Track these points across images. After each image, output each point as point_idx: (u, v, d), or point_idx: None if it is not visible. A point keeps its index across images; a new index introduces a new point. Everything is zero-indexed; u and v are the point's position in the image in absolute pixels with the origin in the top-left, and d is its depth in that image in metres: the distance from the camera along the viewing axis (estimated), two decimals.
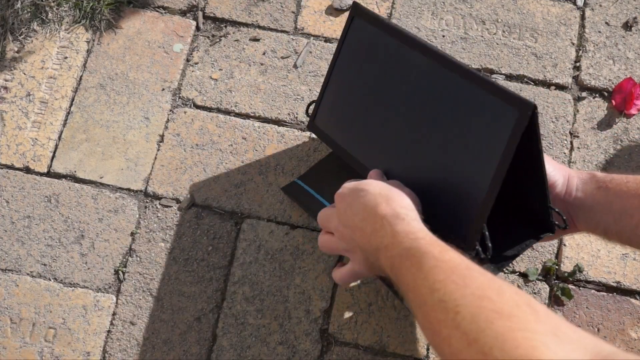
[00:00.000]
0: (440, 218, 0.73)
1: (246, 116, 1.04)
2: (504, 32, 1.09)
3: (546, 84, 1.06)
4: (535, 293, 0.94)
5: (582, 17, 1.10)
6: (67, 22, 1.09)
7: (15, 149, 1.01)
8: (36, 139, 1.02)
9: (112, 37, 1.08)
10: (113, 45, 1.08)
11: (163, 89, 1.05)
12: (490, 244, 0.71)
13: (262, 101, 1.04)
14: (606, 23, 1.10)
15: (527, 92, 1.05)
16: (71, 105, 1.04)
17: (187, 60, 1.07)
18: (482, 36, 1.09)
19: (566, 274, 0.95)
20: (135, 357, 0.91)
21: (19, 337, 0.92)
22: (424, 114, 0.79)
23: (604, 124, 1.04)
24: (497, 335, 0.49)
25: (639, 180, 0.73)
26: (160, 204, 0.99)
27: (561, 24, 1.09)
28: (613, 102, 1.04)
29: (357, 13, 0.88)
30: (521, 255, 0.83)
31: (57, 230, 0.97)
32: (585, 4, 1.11)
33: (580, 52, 1.08)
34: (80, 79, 1.06)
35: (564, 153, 1.02)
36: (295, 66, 1.07)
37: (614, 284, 0.95)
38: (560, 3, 1.11)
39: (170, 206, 0.98)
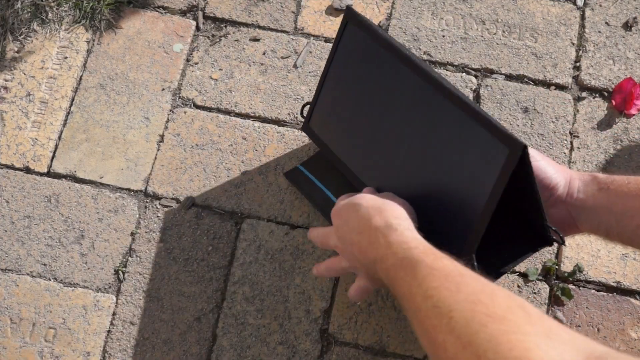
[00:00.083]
0: (435, 232, 0.73)
1: (246, 116, 1.04)
2: (504, 32, 1.09)
3: (546, 84, 1.06)
4: (535, 293, 0.94)
5: (582, 17, 1.10)
6: (67, 22, 1.09)
7: (15, 149, 1.01)
8: (36, 139, 1.02)
9: (112, 37, 1.08)
10: (113, 45, 1.08)
11: (163, 89, 1.05)
12: (476, 264, 0.73)
13: (262, 101, 1.04)
14: (606, 23, 1.10)
15: (527, 92, 1.05)
16: (71, 105, 1.04)
17: (187, 60, 1.07)
18: (482, 36, 1.09)
19: (566, 274, 0.95)
20: (135, 357, 0.91)
21: (19, 337, 0.92)
22: (417, 135, 0.79)
23: (604, 124, 1.04)
24: (491, 338, 0.49)
25: None
26: (160, 204, 0.99)
27: (561, 24, 1.09)
28: (613, 102, 1.04)
29: (351, 19, 0.86)
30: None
31: (57, 230, 0.97)
32: (585, 4, 1.11)
33: (580, 52, 1.08)
34: (80, 79, 1.06)
35: (564, 153, 1.02)
36: (295, 66, 1.07)
37: (614, 284, 0.95)
38: (560, 3, 1.11)
39: (170, 206, 0.98)
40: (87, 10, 1.09)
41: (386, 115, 0.83)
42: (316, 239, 0.85)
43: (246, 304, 0.93)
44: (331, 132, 0.91)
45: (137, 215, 0.98)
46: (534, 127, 1.03)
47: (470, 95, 1.05)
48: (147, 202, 0.99)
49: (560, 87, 1.06)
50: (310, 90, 1.05)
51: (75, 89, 1.05)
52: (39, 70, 1.06)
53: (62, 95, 1.04)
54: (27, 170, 1.00)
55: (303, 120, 0.96)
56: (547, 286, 0.95)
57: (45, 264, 0.95)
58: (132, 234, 0.97)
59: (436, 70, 1.06)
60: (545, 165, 0.77)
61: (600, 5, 1.11)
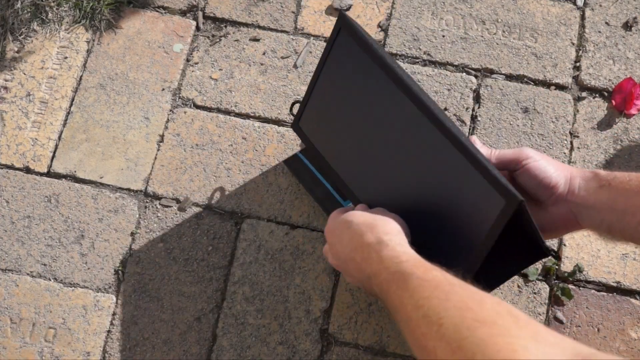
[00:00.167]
0: (428, 247, 0.74)
1: (246, 116, 1.04)
2: (504, 32, 1.09)
3: (546, 84, 1.06)
4: (535, 293, 0.94)
5: (582, 17, 1.10)
6: (67, 22, 1.09)
7: (15, 149, 1.01)
8: (36, 139, 1.02)
9: (112, 37, 1.08)
10: (113, 45, 1.08)
11: (163, 89, 1.05)
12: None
13: (262, 101, 1.04)
14: (606, 23, 1.10)
15: (527, 92, 1.05)
16: (71, 105, 1.04)
17: (187, 60, 1.07)
18: (482, 36, 1.09)
19: (566, 274, 0.95)
20: (135, 357, 0.91)
21: (19, 337, 0.92)
22: (410, 160, 0.79)
23: (604, 124, 1.04)
24: (479, 342, 0.51)
25: None
26: (160, 204, 0.99)
27: (561, 24, 1.09)
28: (613, 102, 1.04)
29: (344, 26, 0.84)
30: None
31: (57, 230, 0.97)
32: (585, 4, 1.11)
33: (580, 52, 1.08)
34: (80, 79, 1.06)
35: (564, 153, 1.02)
36: (295, 66, 1.07)
37: (614, 284, 0.95)
38: (560, 3, 1.11)
39: (170, 206, 0.99)
40: (87, 10, 1.09)
41: (377, 133, 0.82)
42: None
43: (246, 304, 0.93)
44: (321, 136, 0.90)
45: (137, 215, 0.98)
46: (534, 127, 1.03)
47: (470, 95, 1.05)
48: (147, 202, 0.99)
49: (560, 87, 1.06)
50: None
51: (75, 89, 1.05)
52: (39, 70, 1.06)
53: (62, 95, 1.04)
54: (27, 170, 1.00)
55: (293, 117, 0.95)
56: (547, 286, 0.95)
57: (45, 264, 0.95)
58: (132, 234, 0.97)
59: (436, 70, 1.06)
60: (545, 165, 0.77)
61: (600, 5, 1.11)
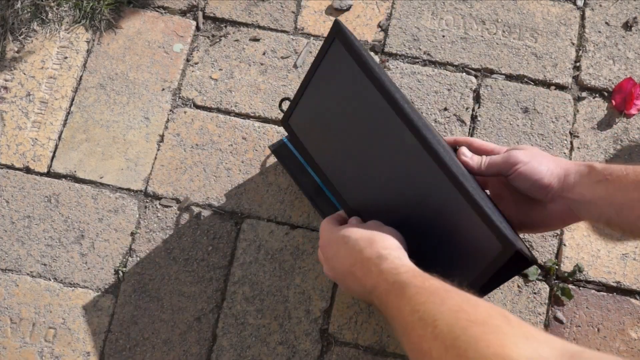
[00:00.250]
0: (425, 257, 0.75)
1: (246, 116, 1.04)
2: (504, 32, 1.09)
3: (546, 84, 1.06)
4: (535, 293, 0.94)
5: (582, 17, 1.10)
6: (67, 22, 1.09)
7: (15, 149, 1.01)
8: (36, 139, 1.02)
9: (112, 37, 1.08)
10: (113, 45, 1.08)
11: (163, 89, 1.05)
12: None
13: (262, 101, 1.04)
14: (606, 23, 1.10)
15: (527, 92, 1.05)
16: (71, 105, 1.04)
17: (187, 60, 1.07)
18: (482, 36, 1.09)
19: (566, 274, 0.95)
20: (135, 357, 0.91)
21: (19, 337, 0.92)
22: (404, 183, 0.79)
23: (604, 124, 1.04)
24: (471, 339, 0.53)
25: (638, 171, 0.72)
26: (160, 204, 0.99)
27: (561, 24, 1.09)
28: (613, 102, 1.04)
29: (338, 35, 0.82)
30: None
31: (57, 230, 0.97)
32: (585, 4, 1.11)
33: (580, 52, 1.08)
34: (80, 79, 1.06)
35: (564, 153, 1.02)
36: (295, 66, 1.07)
37: (614, 284, 0.95)
38: (560, 3, 1.11)
39: (170, 206, 0.98)
40: (87, 10, 1.09)
41: (369, 147, 0.81)
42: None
43: (246, 304, 0.93)
44: (310, 138, 0.89)
45: (137, 215, 0.98)
46: (534, 127, 1.03)
47: (470, 95, 1.05)
48: (147, 202, 0.99)
49: (560, 87, 1.06)
50: None
51: (75, 89, 1.05)
52: (39, 70, 1.06)
53: (62, 95, 1.04)
54: (27, 170, 1.00)
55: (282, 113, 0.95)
56: (547, 286, 0.95)
57: (45, 264, 0.95)
58: (132, 234, 0.97)
59: (436, 70, 1.06)
60: (536, 166, 0.77)
61: (600, 5, 1.11)
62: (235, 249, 0.96)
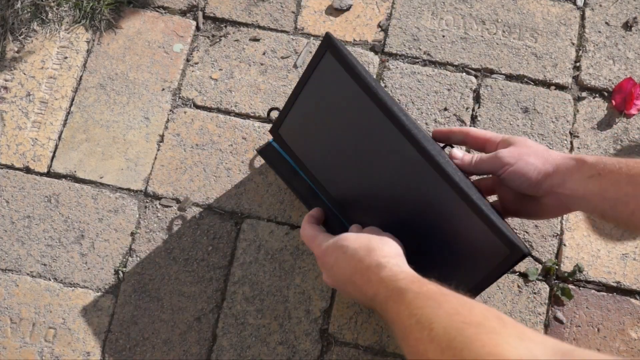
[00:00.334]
0: (424, 260, 0.76)
1: (246, 116, 1.04)
2: (504, 32, 1.09)
3: (546, 84, 1.06)
4: (535, 293, 0.94)
5: (582, 17, 1.10)
6: (67, 22, 1.09)
7: (15, 149, 1.01)
8: (36, 139, 1.02)
9: (112, 37, 1.08)
10: (113, 45, 1.08)
11: (163, 89, 1.05)
12: None
13: (262, 101, 1.04)
14: (606, 23, 1.10)
15: (527, 92, 1.05)
16: (71, 105, 1.04)
17: (187, 60, 1.07)
18: (482, 36, 1.09)
19: (566, 274, 0.95)
20: (135, 357, 0.91)
21: (19, 337, 0.92)
22: (403, 192, 0.79)
23: (604, 124, 1.04)
24: (466, 340, 0.54)
25: (631, 165, 0.71)
26: (160, 204, 0.99)
27: (561, 24, 1.09)
28: (613, 102, 1.04)
29: (330, 48, 0.81)
30: None
31: (57, 230, 0.97)
32: (585, 4, 1.11)
33: (580, 52, 1.08)
34: (80, 79, 1.06)
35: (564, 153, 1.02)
36: (295, 66, 1.07)
37: (614, 284, 0.95)
38: (560, 3, 1.11)
39: (170, 206, 0.99)
40: (87, 10, 1.09)
41: (365, 158, 0.81)
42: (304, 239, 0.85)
43: (246, 304, 0.93)
44: (303, 148, 0.89)
45: (137, 215, 0.98)
46: (534, 127, 1.03)
47: (470, 95, 1.05)
48: (147, 202, 0.99)
49: (560, 87, 1.06)
50: None
51: (75, 89, 1.05)
52: (39, 70, 1.06)
53: (62, 95, 1.04)
54: (27, 170, 1.00)
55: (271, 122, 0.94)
56: (547, 286, 0.95)
57: (45, 264, 0.95)
58: (132, 234, 0.97)
59: (436, 70, 1.06)
60: (523, 167, 0.76)
61: (600, 5, 1.11)
62: (235, 249, 0.96)
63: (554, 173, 0.76)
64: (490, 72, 1.06)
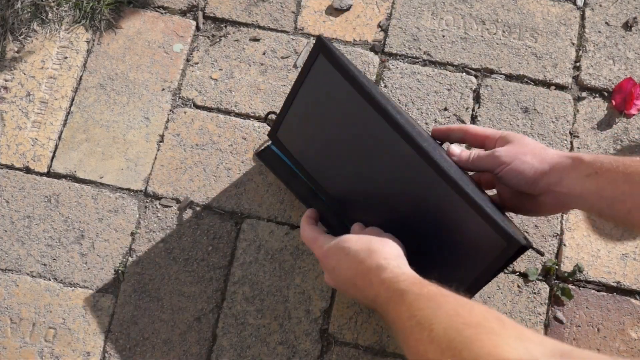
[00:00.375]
0: (424, 261, 0.76)
1: (246, 116, 1.04)
2: (504, 32, 1.09)
3: (546, 84, 1.06)
4: (535, 293, 0.94)
5: (582, 17, 1.10)
6: (67, 22, 1.09)
7: (15, 149, 1.01)
8: (36, 139, 1.02)
9: (112, 37, 1.08)
10: (113, 45, 1.08)
11: (163, 89, 1.05)
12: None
13: (262, 101, 1.04)
14: (606, 23, 1.10)
15: (527, 92, 1.05)
16: (71, 105, 1.04)
17: (187, 60, 1.07)
18: (482, 36, 1.09)
19: (566, 274, 0.95)
20: (135, 357, 0.91)
21: (19, 337, 0.92)
22: (401, 190, 0.79)
23: (604, 124, 1.04)
24: (466, 340, 0.54)
25: (627, 164, 0.71)
26: (160, 204, 0.99)
27: (561, 24, 1.09)
28: (613, 102, 1.04)
29: (323, 51, 0.81)
30: (522, 255, 0.83)
31: (57, 230, 0.97)
32: (585, 4, 1.11)
33: (580, 52, 1.08)
34: (80, 79, 1.06)
35: None
36: (295, 66, 1.07)
37: (614, 284, 0.95)
38: (560, 3, 1.11)
39: (170, 206, 0.99)
40: (87, 10, 1.09)
41: (363, 158, 0.81)
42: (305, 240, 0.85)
43: (246, 304, 0.93)
44: (301, 149, 0.89)
45: (137, 215, 0.98)
46: (534, 127, 1.03)
47: (470, 95, 1.05)
48: (147, 202, 0.99)
49: (560, 87, 1.06)
50: None
51: (75, 89, 1.05)
52: (39, 70, 1.06)
53: (62, 95, 1.04)
54: (27, 170, 1.00)
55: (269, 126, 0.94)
56: (547, 286, 0.95)
57: (45, 264, 0.95)
58: (132, 234, 0.97)
59: (436, 70, 1.06)
60: (519, 165, 0.77)
61: (600, 5, 1.11)
62: (235, 249, 0.96)
63: (550, 171, 0.76)
64: (490, 72, 1.06)
